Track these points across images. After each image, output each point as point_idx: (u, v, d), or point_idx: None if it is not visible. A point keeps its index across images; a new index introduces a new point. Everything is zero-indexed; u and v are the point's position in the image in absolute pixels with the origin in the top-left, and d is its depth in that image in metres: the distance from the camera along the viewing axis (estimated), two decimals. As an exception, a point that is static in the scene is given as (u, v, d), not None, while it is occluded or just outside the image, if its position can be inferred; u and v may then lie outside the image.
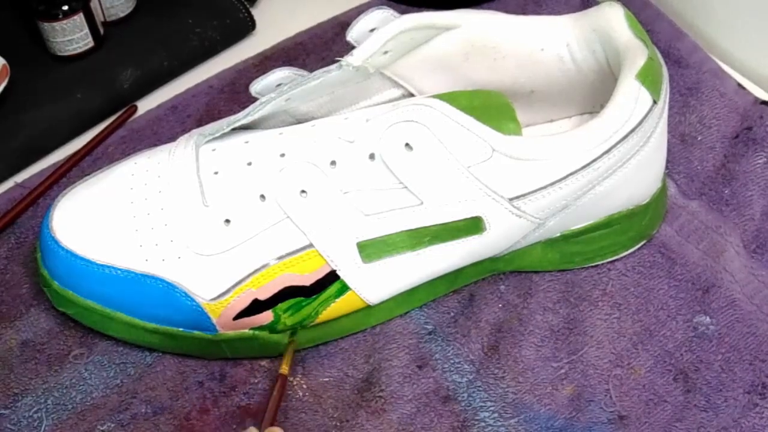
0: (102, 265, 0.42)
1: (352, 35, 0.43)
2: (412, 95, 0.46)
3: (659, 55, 0.43)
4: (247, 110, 0.43)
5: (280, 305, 0.42)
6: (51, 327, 0.45)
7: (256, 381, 0.43)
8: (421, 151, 0.40)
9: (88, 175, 0.47)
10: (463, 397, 0.42)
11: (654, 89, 0.41)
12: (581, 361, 0.43)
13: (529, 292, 0.46)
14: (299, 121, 0.45)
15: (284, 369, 0.41)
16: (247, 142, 0.43)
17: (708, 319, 0.44)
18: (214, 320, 0.42)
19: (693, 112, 0.53)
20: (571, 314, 0.45)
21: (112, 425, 0.41)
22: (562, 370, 0.43)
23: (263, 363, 0.43)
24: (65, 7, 0.55)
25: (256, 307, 0.41)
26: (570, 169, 0.41)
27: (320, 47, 0.60)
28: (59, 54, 0.57)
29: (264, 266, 0.41)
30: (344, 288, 0.42)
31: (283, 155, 0.41)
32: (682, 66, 0.56)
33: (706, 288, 0.45)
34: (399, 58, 0.44)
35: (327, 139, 0.41)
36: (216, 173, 0.42)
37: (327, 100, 0.45)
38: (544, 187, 0.41)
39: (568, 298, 0.45)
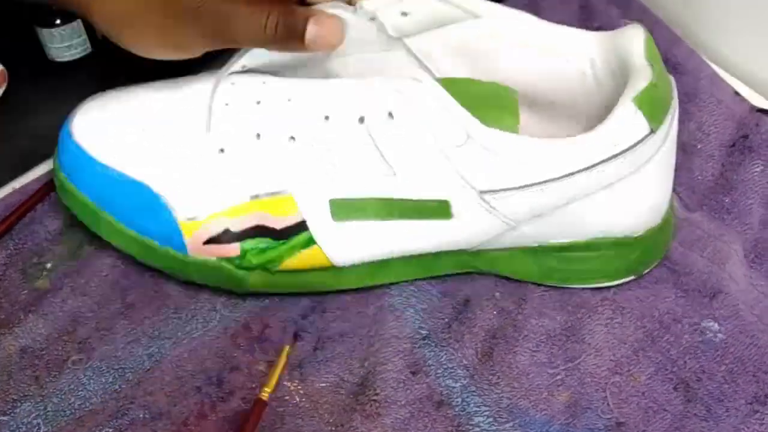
0: (101, 164, 0.44)
1: None
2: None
3: (674, 87, 0.42)
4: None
5: (248, 241, 0.43)
6: (49, 333, 0.45)
7: (254, 386, 0.43)
8: (400, 122, 0.40)
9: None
10: (457, 402, 0.42)
11: (653, 117, 0.40)
12: (578, 368, 0.43)
13: (524, 298, 0.46)
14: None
15: (265, 394, 0.41)
16: (264, 83, 0.44)
17: (716, 325, 0.44)
18: (186, 240, 0.43)
19: (692, 119, 0.53)
20: (568, 321, 0.45)
21: (111, 431, 0.41)
22: (558, 377, 0.43)
23: (261, 368, 0.43)
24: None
25: (226, 236, 0.43)
26: (544, 176, 0.40)
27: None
28: (57, 60, 0.57)
29: (242, 200, 0.43)
30: (311, 241, 0.43)
31: (289, 100, 0.43)
32: (679, 72, 0.56)
33: (712, 294, 0.45)
34: (421, 30, 0.45)
35: (327, 95, 0.42)
36: (227, 104, 0.44)
37: (353, 61, 0.45)
38: (516, 188, 0.41)
39: (564, 306, 0.45)
